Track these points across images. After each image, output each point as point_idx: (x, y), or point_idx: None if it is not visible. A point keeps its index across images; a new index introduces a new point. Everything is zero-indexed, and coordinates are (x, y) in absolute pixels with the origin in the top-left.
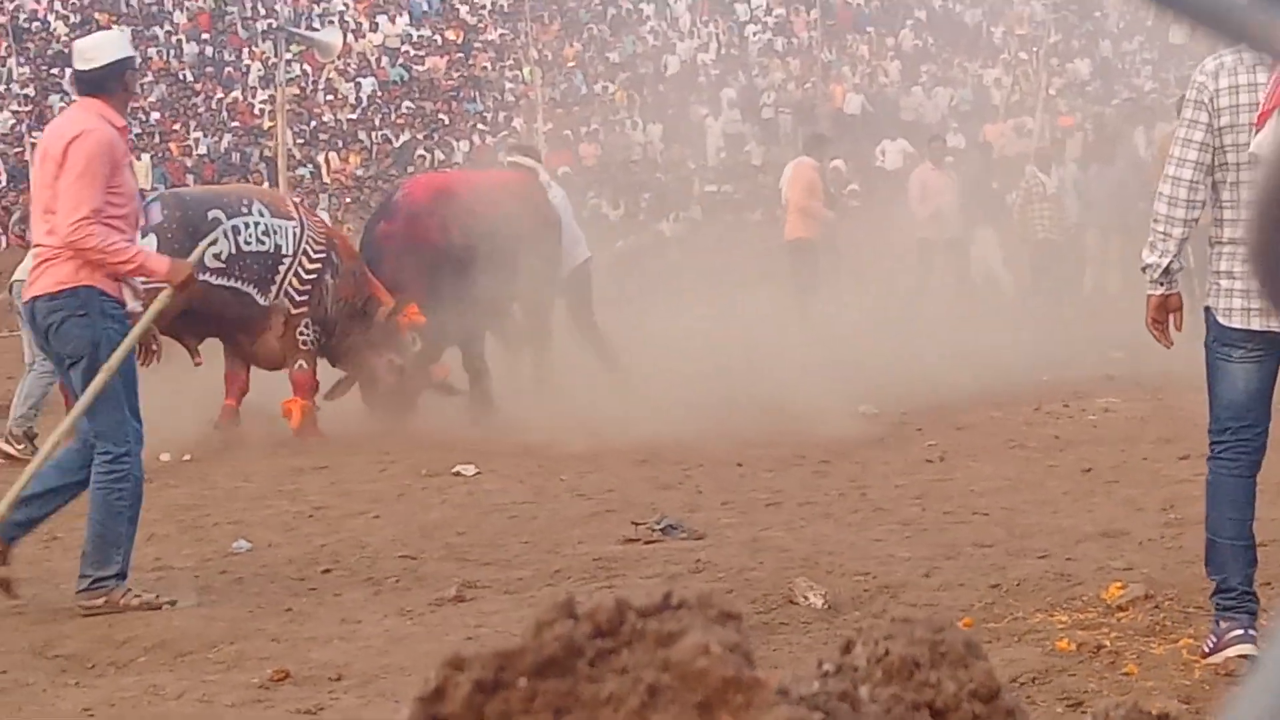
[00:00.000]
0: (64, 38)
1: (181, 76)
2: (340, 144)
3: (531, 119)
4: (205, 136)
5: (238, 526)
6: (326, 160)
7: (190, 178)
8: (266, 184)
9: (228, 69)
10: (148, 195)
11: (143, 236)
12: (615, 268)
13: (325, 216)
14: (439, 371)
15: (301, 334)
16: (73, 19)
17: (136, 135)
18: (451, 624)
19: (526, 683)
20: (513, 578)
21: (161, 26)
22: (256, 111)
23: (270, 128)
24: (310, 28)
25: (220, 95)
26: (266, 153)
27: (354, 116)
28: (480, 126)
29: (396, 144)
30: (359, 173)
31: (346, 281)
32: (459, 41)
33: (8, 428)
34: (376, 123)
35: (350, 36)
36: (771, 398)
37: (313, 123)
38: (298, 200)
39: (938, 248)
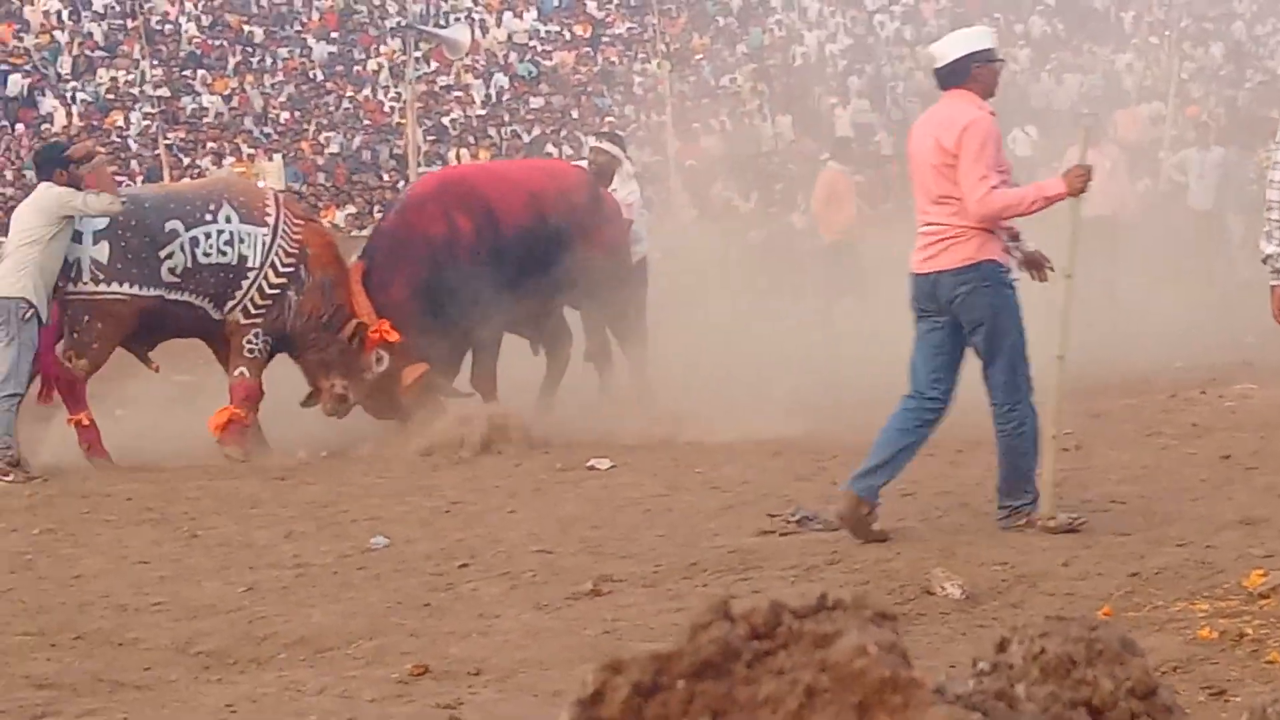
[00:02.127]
0: (195, 40)
1: (312, 76)
2: (470, 140)
3: (660, 112)
4: (336, 135)
5: (375, 523)
6: (457, 157)
7: (322, 175)
8: (401, 183)
9: (357, 68)
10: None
11: (94, 244)
12: (746, 260)
13: None
14: (411, 373)
15: (250, 342)
16: (204, 20)
17: (267, 135)
18: (588, 618)
19: (684, 685)
20: (648, 571)
21: (291, 26)
22: (386, 110)
23: (400, 125)
24: (438, 25)
25: (350, 94)
26: (397, 150)
27: (483, 113)
28: (609, 120)
29: (526, 139)
30: None
31: (311, 296)
32: (587, 36)
33: None
34: (506, 119)
35: (478, 33)
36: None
37: (442, 119)
38: (283, 198)
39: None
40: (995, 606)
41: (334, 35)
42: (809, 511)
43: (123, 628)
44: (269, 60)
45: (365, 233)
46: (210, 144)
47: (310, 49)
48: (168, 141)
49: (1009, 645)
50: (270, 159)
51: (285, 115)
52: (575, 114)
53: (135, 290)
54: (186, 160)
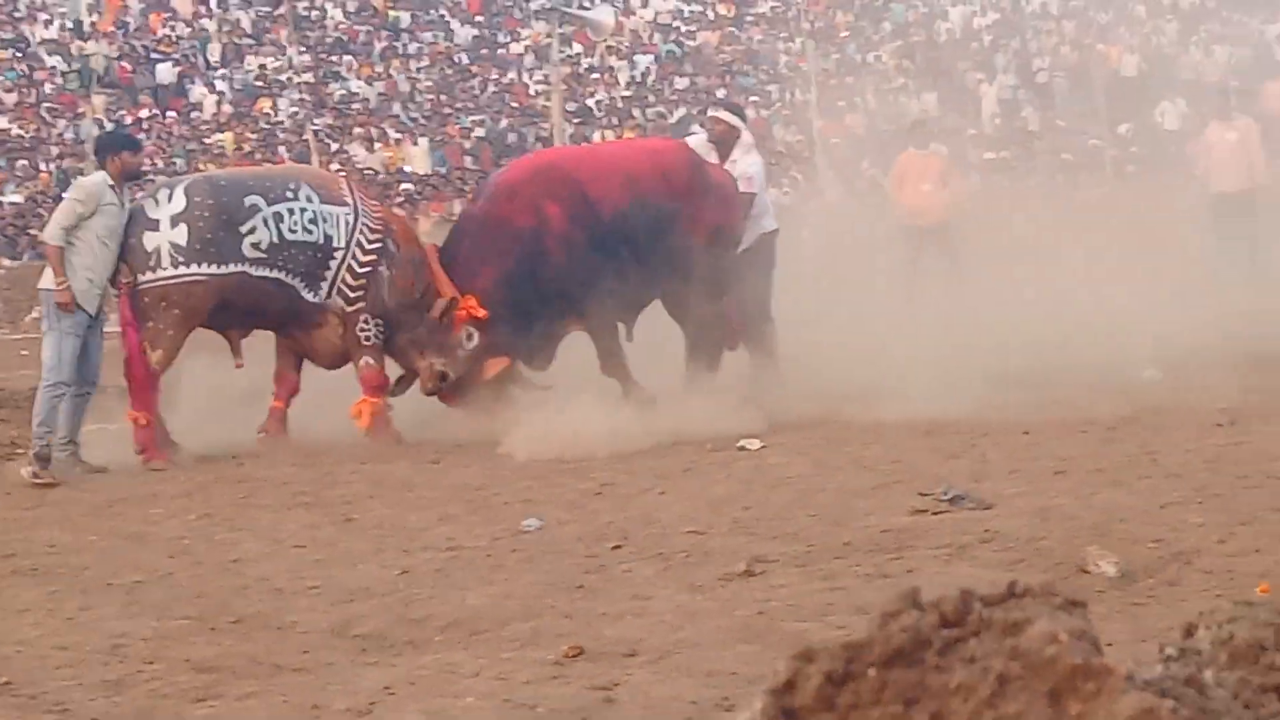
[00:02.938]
0: (341, 26)
1: (457, 60)
2: (615, 122)
3: (804, 90)
4: (482, 119)
5: (527, 505)
6: (602, 138)
7: (469, 159)
8: None
9: (501, 51)
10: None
11: (172, 227)
12: (892, 237)
13: None
14: (494, 366)
15: (363, 329)
16: (349, 6)
17: (413, 119)
18: (741, 598)
19: (875, 673)
20: (801, 551)
21: (436, 10)
22: (532, 92)
23: (545, 108)
24: (582, 6)
25: (495, 77)
26: (542, 133)
27: (628, 94)
28: (754, 99)
29: (671, 120)
30: None
31: (404, 271)
32: (731, 15)
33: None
34: (650, 99)
35: (622, 14)
36: (1056, 364)
37: (587, 101)
38: (354, 183)
39: (1231, 203)
40: (1151, 584)
41: (478, 19)
42: (960, 490)
43: (280, 611)
44: (414, 45)
45: None
46: (357, 129)
47: (454, 33)
48: (315, 127)
49: (1196, 631)
50: (416, 143)
51: (431, 99)
52: (720, 94)
53: (214, 269)
54: (334, 145)
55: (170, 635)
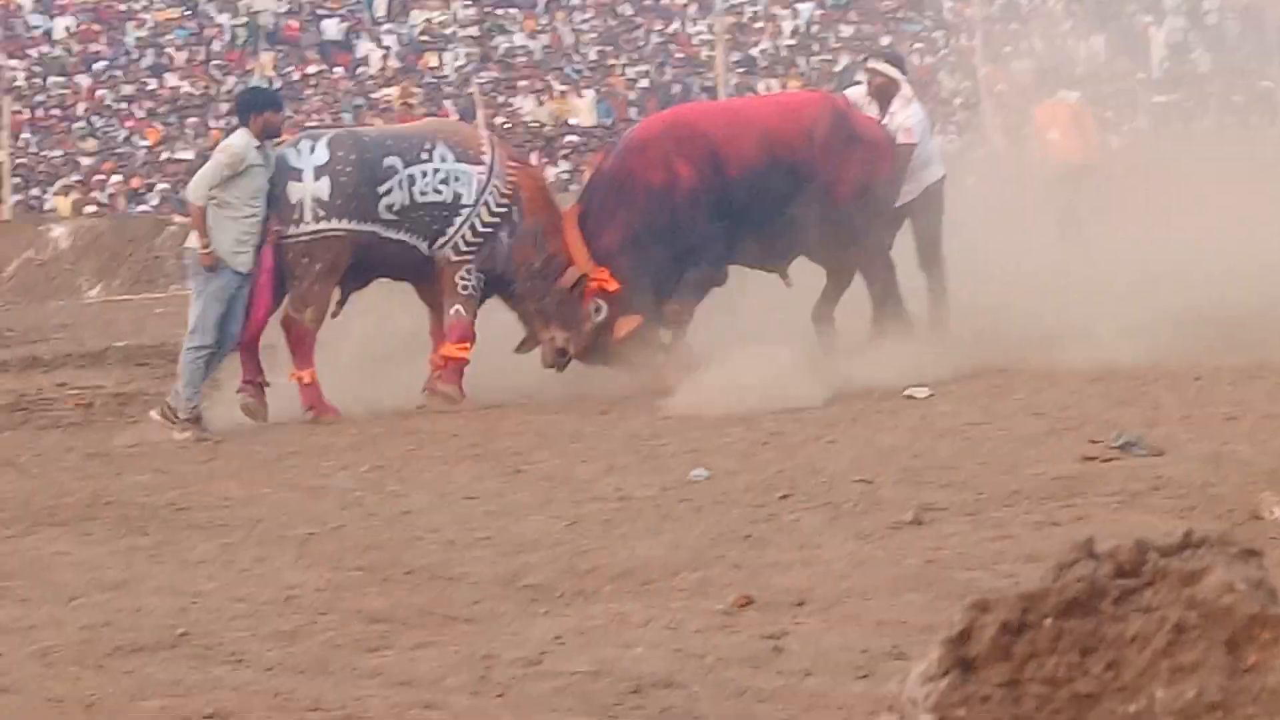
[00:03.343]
0: None
1: (620, 11)
2: (779, 71)
3: (970, 36)
4: (646, 70)
5: (695, 455)
6: (767, 88)
7: (633, 110)
8: None
9: (665, 1)
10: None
11: (315, 180)
12: (1062, 183)
13: None
14: (625, 325)
15: (463, 279)
16: None
17: (578, 71)
18: (911, 547)
19: (1051, 623)
20: (970, 499)
21: None
22: (695, 43)
23: (710, 58)
24: None
25: (659, 28)
26: (706, 84)
27: (792, 43)
28: (918, 46)
29: (836, 69)
30: None
31: (524, 242)
32: None
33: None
34: (815, 48)
35: None
36: (1227, 310)
37: (750, 51)
38: (497, 139)
39: None
40: None
41: None
42: (1132, 436)
43: (450, 562)
44: None
45: None
46: (522, 82)
47: None
48: (481, 81)
49: None
50: (581, 95)
51: (595, 51)
52: (884, 41)
53: (353, 225)
54: (500, 99)
55: (343, 586)
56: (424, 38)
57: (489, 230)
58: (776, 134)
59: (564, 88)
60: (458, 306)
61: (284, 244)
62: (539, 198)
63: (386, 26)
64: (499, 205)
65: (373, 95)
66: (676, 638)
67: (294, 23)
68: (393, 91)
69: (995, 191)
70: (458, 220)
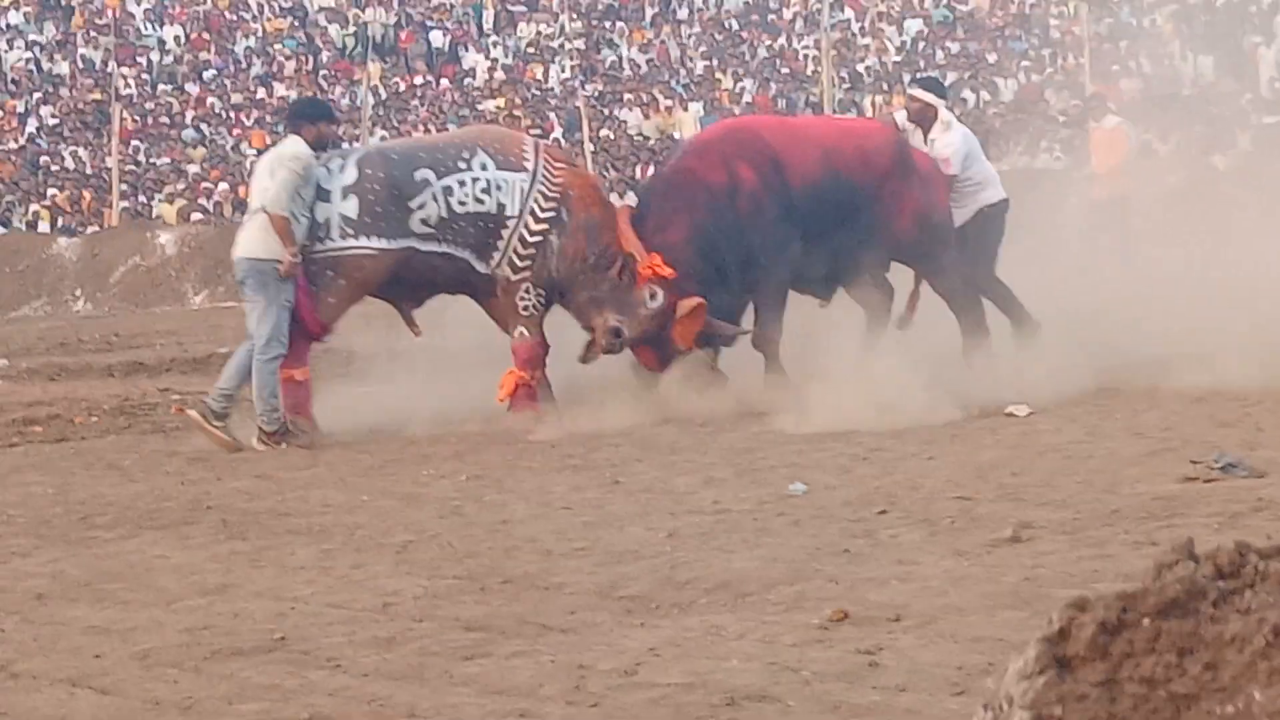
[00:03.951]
0: None
1: (727, 25)
2: (885, 87)
3: (1078, 54)
4: (752, 84)
5: (793, 469)
6: (872, 103)
7: None
8: None
9: (772, 16)
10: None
11: (343, 199)
12: (1166, 203)
13: None
14: (686, 305)
15: (523, 299)
16: None
17: (684, 85)
18: (1008, 565)
19: (1149, 623)
20: (1069, 518)
21: None
22: (801, 58)
23: (815, 73)
24: None
25: (766, 42)
26: (812, 98)
27: (898, 59)
28: (1026, 64)
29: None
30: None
31: (575, 238)
32: None
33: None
34: (921, 65)
35: None
36: None
37: (856, 66)
38: (543, 144)
39: None
40: None
41: None
42: (1233, 458)
43: (548, 572)
44: (685, 11)
45: None
46: (628, 95)
47: None
48: (586, 93)
49: None
50: (686, 109)
51: (701, 65)
52: (991, 59)
53: (384, 244)
54: (605, 112)
55: (440, 594)
56: (530, 50)
57: (539, 238)
58: (836, 154)
59: (669, 101)
60: (521, 329)
61: (313, 257)
62: (590, 195)
63: (493, 38)
64: (545, 210)
65: (478, 106)
66: (772, 651)
67: (402, 33)
68: (497, 103)
69: (1099, 210)
70: (505, 232)
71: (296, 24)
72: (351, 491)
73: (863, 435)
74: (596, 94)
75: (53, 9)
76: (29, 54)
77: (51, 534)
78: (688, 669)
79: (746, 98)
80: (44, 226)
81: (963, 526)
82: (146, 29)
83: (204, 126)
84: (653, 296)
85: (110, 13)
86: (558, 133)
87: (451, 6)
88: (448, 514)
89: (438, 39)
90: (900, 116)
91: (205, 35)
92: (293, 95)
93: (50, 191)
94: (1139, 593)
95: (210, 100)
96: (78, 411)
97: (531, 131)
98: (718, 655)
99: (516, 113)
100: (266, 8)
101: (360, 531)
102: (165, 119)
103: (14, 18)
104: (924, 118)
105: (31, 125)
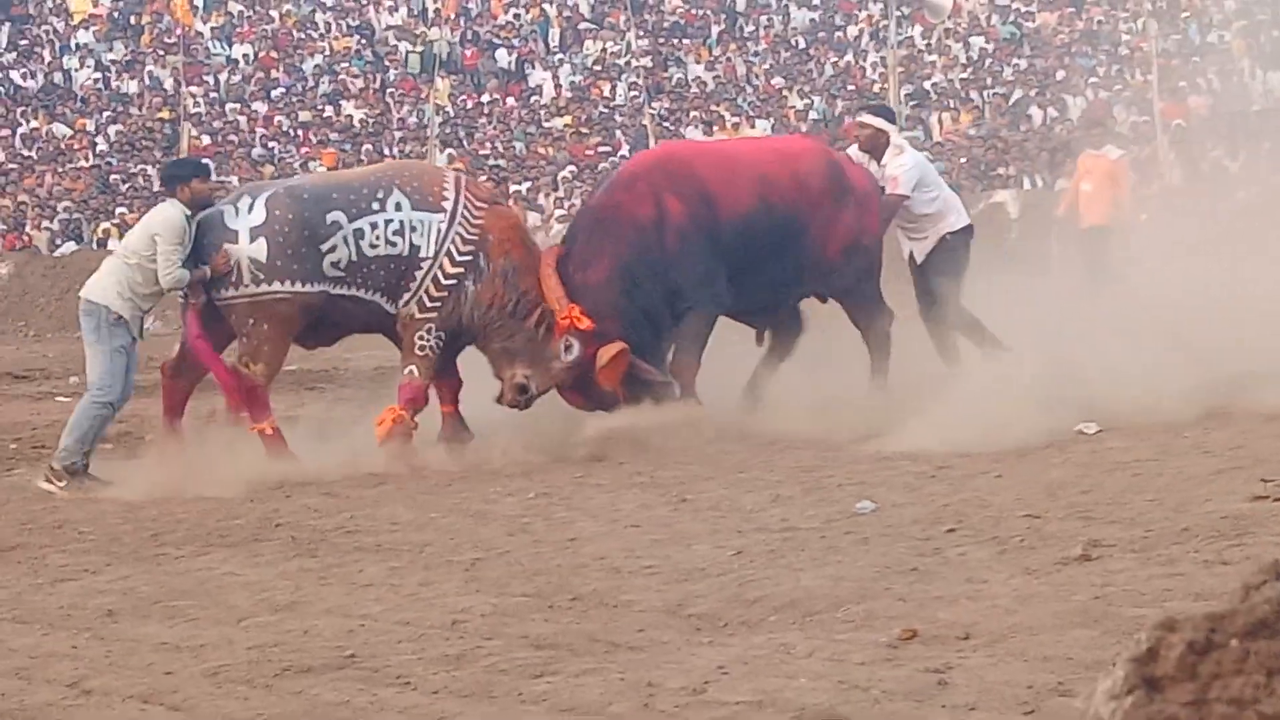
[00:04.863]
0: (678, 10)
1: (794, 43)
2: (951, 104)
3: (1146, 71)
4: (818, 101)
5: (860, 487)
6: (939, 120)
7: None
8: None
9: (838, 33)
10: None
11: (251, 241)
12: (1237, 220)
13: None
14: (607, 352)
15: (421, 339)
16: None
17: (750, 103)
18: (1078, 583)
19: (1238, 644)
20: (1138, 536)
21: None
22: (868, 75)
23: (882, 90)
24: None
25: (832, 59)
26: None
27: (965, 75)
28: (1093, 80)
29: (1009, 102)
30: (970, 132)
31: (492, 284)
32: None
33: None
34: (988, 81)
35: None
36: None
37: (923, 83)
38: (466, 180)
39: None
40: None
41: (815, 2)
42: None
43: (616, 590)
44: (751, 28)
45: None
46: (694, 113)
47: (792, 16)
48: (653, 111)
49: None
50: (753, 126)
51: (768, 82)
52: (1059, 75)
53: (297, 287)
54: (671, 130)
55: (509, 612)
56: (597, 67)
57: (453, 282)
58: (769, 180)
59: (736, 119)
60: (412, 367)
61: (229, 304)
62: (511, 237)
63: (560, 56)
64: (463, 254)
65: (545, 124)
66: (840, 669)
67: (469, 51)
68: (564, 121)
69: (1169, 227)
70: (418, 274)
71: (364, 42)
72: (420, 509)
73: (930, 454)
74: (663, 112)
75: (122, 28)
76: (99, 73)
77: (122, 551)
78: (756, 687)
79: (813, 114)
80: (114, 244)
81: (1032, 544)
82: (215, 48)
83: (273, 145)
84: (568, 349)
85: (179, 32)
86: (625, 150)
87: (519, 24)
88: (516, 531)
89: (504, 57)
90: (853, 150)
91: (273, 54)
92: (360, 114)
93: (119, 210)
94: (1227, 613)
95: (278, 119)
96: (149, 429)
97: (600, 149)
98: (786, 674)
99: (583, 130)
100: (334, 26)
101: (429, 549)
102: (233, 137)
103: (84, 37)
104: (875, 145)
105: (101, 144)
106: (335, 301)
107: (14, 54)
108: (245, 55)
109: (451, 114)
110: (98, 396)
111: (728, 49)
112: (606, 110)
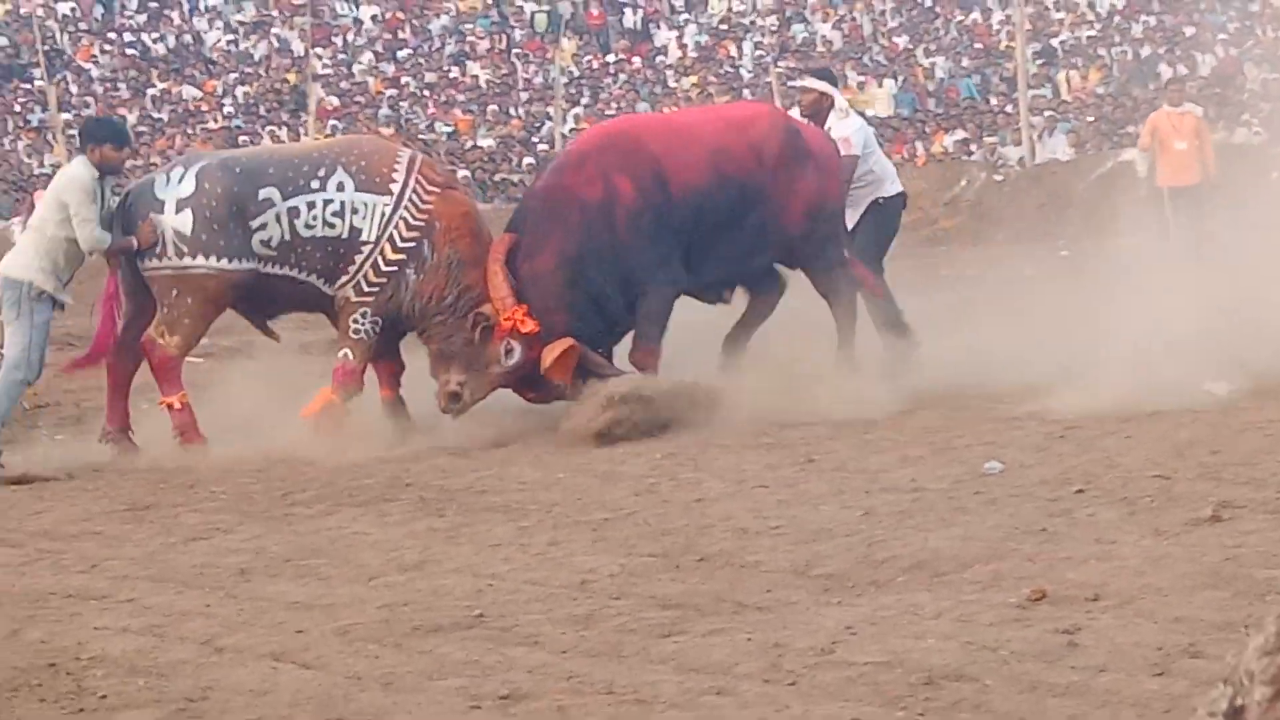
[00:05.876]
0: None
1: (920, 1)
2: (1079, 62)
3: (1277, 28)
4: (945, 60)
5: (989, 448)
6: (1066, 79)
7: (931, 101)
8: (1010, 106)
9: None
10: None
11: (176, 213)
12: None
13: (1062, 142)
14: (550, 352)
15: (356, 322)
16: None
17: (878, 62)
18: (1208, 544)
19: None
20: (1270, 497)
21: None
22: (994, 33)
23: (1009, 48)
24: None
25: (959, 18)
26: (1006, 74)
27: (1094, 33)
28: (1223, 37)
29: (1139, 59)
30: (1099, 90)
31: (434, 276)
32: None
33: None
34: (1117, 39)
35: None
36: None
37: (1051, 41)
38: (420, 161)
39: None
40: None
41: None
42: None
43: (743, 550)
44: None
45: (974, 159)
46: None
47: None
48: (778, 70)
49: None
50: (880, 85)
51: (894, 41)
52: (1188, 32)
53: (221, 264)
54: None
55: (636, 572)
56: (723, 26)
57: (394, 269)
58: (722, 152)
59: (862, 78)
60: (346, 350)
61: (151, 274)
62: (459, 226)
63: (685, 15)
64: (406, 240)
65: (670, 84)
66: (969, 630)
67: (595, 11)
68: (690, 80)
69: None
70: (358, 258)
71: (490, 3)
72: (547, 469)
73: (1059, 413)
74: (789, 71)
75: None
76: (228, 35)
77: (254, 510)
78: (885, 648)
79: (940, 74)
80: None
81: (1161, 505)
82: (342, 9)
83: (399, 106)
84: (509, 353)
85: None
86: None
87: None
88: (643, 492)
89: (630, 17)
90: (794, 113)
91: (400, 15)
92: (486, 75)
93: None
94: None
95: (405, 80)
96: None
97: None
98: (915, 634)
99: (710, 89)
100: None
101: (556, 509)
102: (360, 98)
103: None
104: (818, 109)
105: (229, 106)
106: (267, 280)
107: (144, 16)
108: (373, 16)
109: (577, 74)
110: (13, 375)
111: (854, 7)
112: (732, 70)
